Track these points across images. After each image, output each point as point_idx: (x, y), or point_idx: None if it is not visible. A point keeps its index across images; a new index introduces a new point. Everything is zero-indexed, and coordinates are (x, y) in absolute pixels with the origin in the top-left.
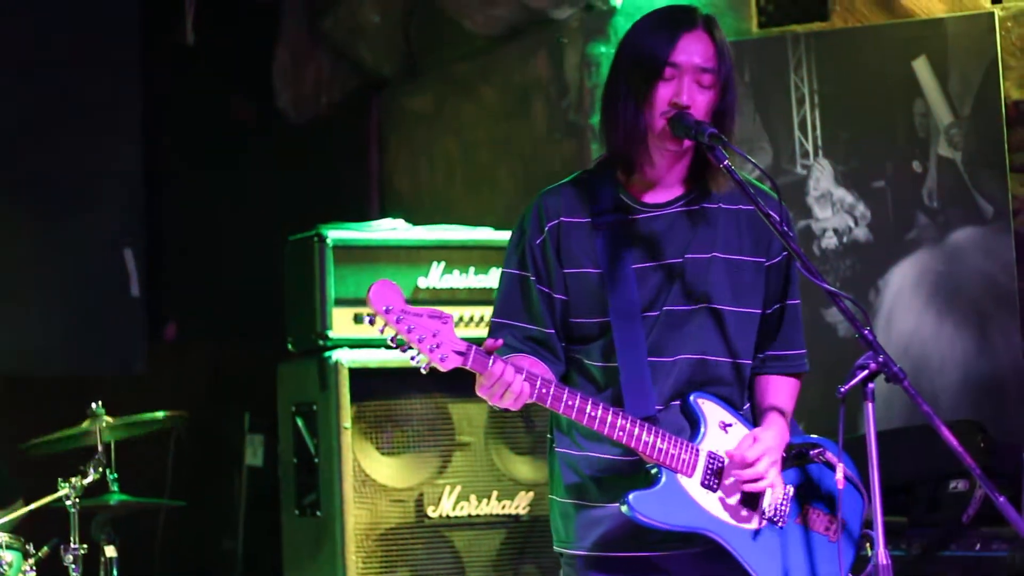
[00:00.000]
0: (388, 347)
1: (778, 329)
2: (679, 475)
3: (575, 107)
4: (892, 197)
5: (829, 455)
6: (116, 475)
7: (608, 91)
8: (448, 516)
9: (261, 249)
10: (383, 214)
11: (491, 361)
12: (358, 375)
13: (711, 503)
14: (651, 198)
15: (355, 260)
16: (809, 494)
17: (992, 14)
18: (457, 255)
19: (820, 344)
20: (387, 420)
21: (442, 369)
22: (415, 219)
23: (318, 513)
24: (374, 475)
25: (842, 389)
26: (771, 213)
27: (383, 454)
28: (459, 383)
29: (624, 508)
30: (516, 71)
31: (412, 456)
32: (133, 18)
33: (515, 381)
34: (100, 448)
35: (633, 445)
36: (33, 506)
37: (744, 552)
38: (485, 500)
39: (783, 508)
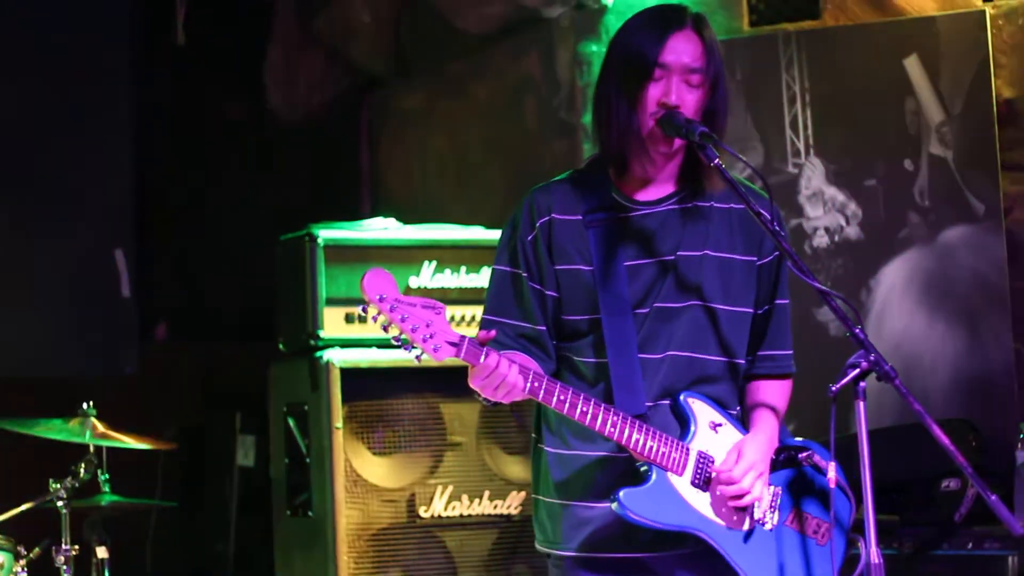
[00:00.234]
0: (380, 347)
1: (767, 329)
2: (669, 473)
3: (567, 106)
4: (883, 196)
5: (817, 458)
6: (107, 476)
7: (599, 91)
8: (440, 516)
9: (252, 249)
10: (374, 213)
11: (484, 352)
12: (349, 375)
13: (701, 503)
14: (643, 196)
15: (346, 260)
16: (798, 496)
17: (983, 12)
18: (448, 254)
19: (811, 343)
20: (378, 420)
21: (435, 360)
22: (406, 218)
23: (310, 513)
24: (366, 475)
25: (833, 388)
26: (762, 212)
27: (375, 454)
28: (451, 383)
29: (614, 505)
30: (508, 70)
31: (404, 456)
32: (125, 18)
33: (510, 372)
34: (91, 449)
35: (624, 442)
36: (24, 507)
37: (733, 553)
38: (477, 500)
39: (771, 509)
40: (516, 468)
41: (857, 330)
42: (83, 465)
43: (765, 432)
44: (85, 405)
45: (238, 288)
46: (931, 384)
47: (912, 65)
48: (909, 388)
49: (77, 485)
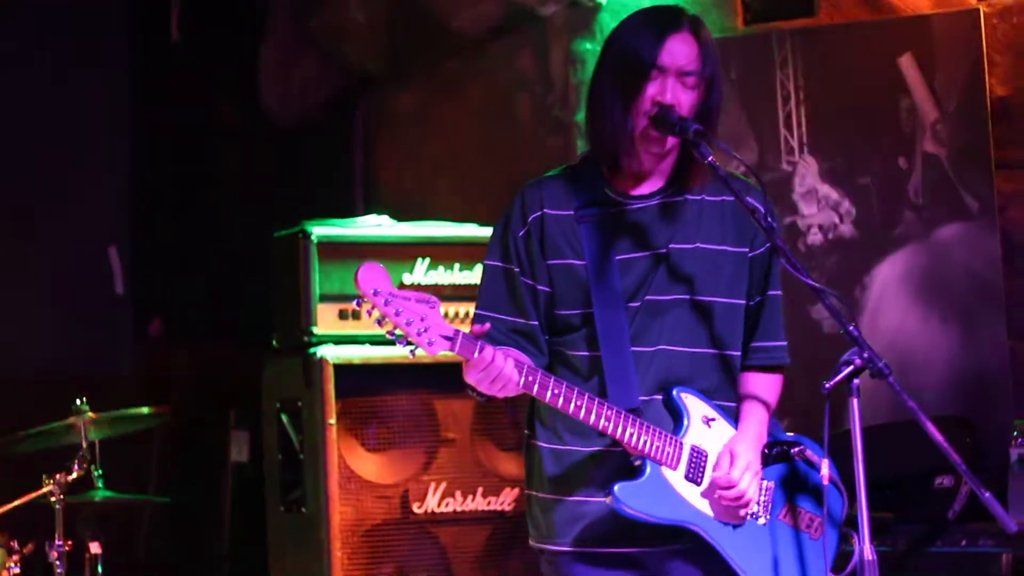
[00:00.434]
0: (374, 343)
1: (760, 321)
2: (663, 468)
3: (561, 104)
4: (878, 193)
5: (810, 453)
6: (101, 471)
7: (593, 90)
8: (434, 512)
9: (246, 246)
10: (368, 211)
11: (479, 347)
12: (343, 371)
13: (695, 496)
14: (635, 190)
15: (340, 256)
16: (791, 491)
17: (977, 10)
18: (442, 251)
19: (805, 340)
20: (372, 416)
21: (429, 354)
22: (400, 216)
23: (303, 509)
24: (359, 471)
25: (827, 385)
26: (757, 206)
27: (368, 450)
28: (444, 379)
29: (609, 499)
30: (501, 68)
31: (397, 452)
32: (121, 16)
33: (505, 365)
34: (85, 445)
35: (618, 436)
36: (17, 502)
37: (727, 546)
38: (471, 496)
39: (764, 504)
40: (510, 464)
41: (851, 327)
42: (76, 461)
43: (753, 428)
44: (79, 402)
45: (232, 285)
46: (925, 381)
47: (906, 63)
48: (903, 385)
49: (70, 481)
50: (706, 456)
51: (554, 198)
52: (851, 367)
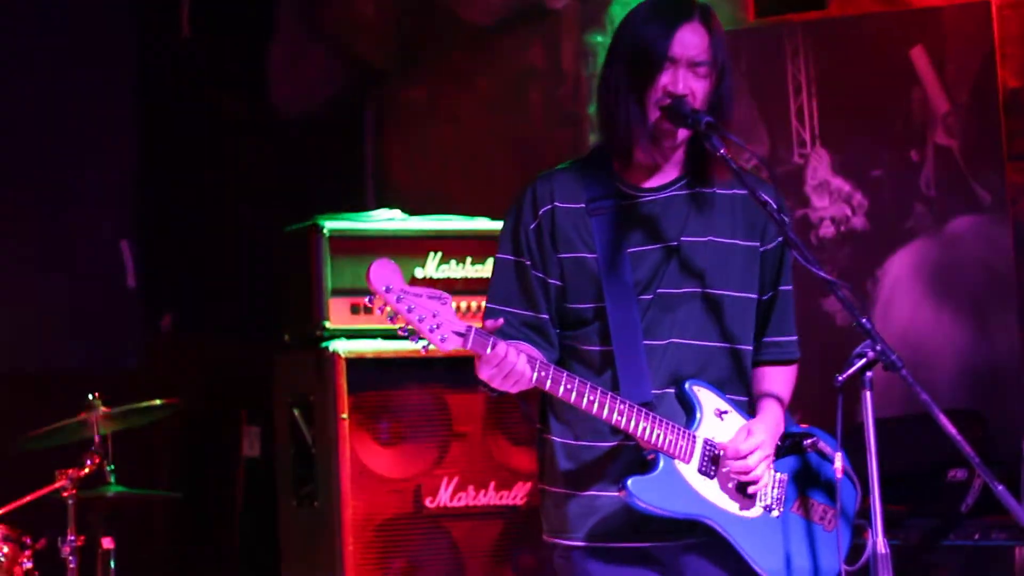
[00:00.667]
0: (386, 338)
1: (771, 315)
2: (677, 461)
3: (572, 96)
4: (889, 186)
5: (823, 445)
6: (113, 467)
7: (604, 82)
8: (446, 506)
9: (258, 241)
10: (379, 205)
11: (491, 342)
12: (355, 365)
13: (708, 490)
14: (647, 183)
15: (352, 250)
16: (804, 483)
17: (988, 2)
18: (454, 245)
19: (818, 333)
20: (384, 410)
21: (441, 350)
22: (411, 210)
23: (315, 504)
24: (371, 466)
25: (840, 378)
26: (768, 200)
27: (380, 445)
28: (456, 373)
29: (623, 494)
30: (512, 61)
31: (410, 446)
32: (128, 11)
33: (518, 361)
34: (97, 440)
35: (631, 430)
36: (30, 498)
37: (740, 539)
38: (483, 490)
39: (778, 496)
40: (522, 458)
41: (863, 320)
42: (89, 456)
43: (771, 417)
44: (91, 397)
45: (244, 280)
46: (938, 374)
47: (918, 55)
48: (916, 378)
49: (83, 476)
50: (719, 449)
51: (565, 191)
52: (864, 360)
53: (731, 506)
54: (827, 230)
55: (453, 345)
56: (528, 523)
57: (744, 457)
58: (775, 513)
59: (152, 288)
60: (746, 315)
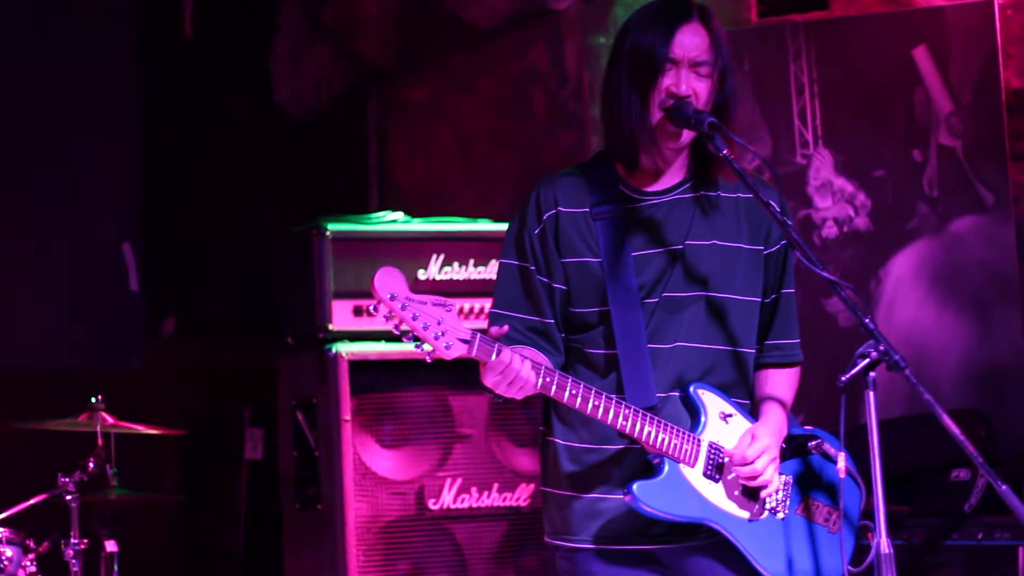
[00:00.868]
0: (389, 340)
1: (775, 318)
2: (682, 465)
3: (574, 98)
4: (892, 186)
5: (827, 447)
6: (116, 469)
7: (607, 86)
8: (449, 508)
9: (260, 242)
10: (382, 207)
11: (496, 349)
12: (358, 368)
13: (714, 493)
14: (650, 186)
15: (355, 252)
16: (809, 485)
17: (991, 2)
18: (456, 247)
19: (821, 333)
20: (387, 413)
21: (446, 358)
22: (414, 211)
23: (318, 506)
24: (374, 468)
25: (843, 378)
26: (771, 202)
27: (383, 447)
28: (459, 375)
29: (628, 498)
30: (515, 62)
31: (413, 448)
32: (130, 11)
33: (523, 367)
34: (100, 442)
35: (635, 434)
36: (33, 501)
37: (746, 542)
38: (486, 492)
39: (783, 499)
40: (525, 460)
41: (867, 320)
42: (92, 459)
43: (775, 421)
44: (93, 400)
45: (246, 282)
46: (941, 374)
47: (920, 55)
48: (919, 378)
49: (86, 479)
50: (724, 456)
51: (568, 195)
52: (867, 360)
53: (736, 509)
54: (830, 230)
55: (458, 352)
56: (531, 525)
57: (751, 463)
58: (780, 515)
59: (154, 291)
60: (750, 318)
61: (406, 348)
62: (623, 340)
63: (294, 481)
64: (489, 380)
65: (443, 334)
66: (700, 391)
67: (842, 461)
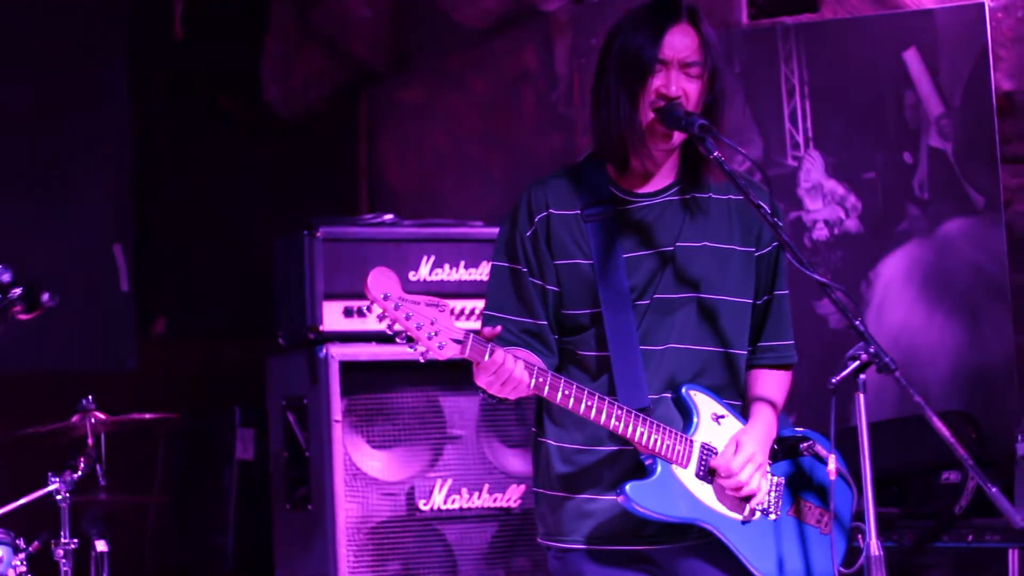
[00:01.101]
0: (380, 341)
1: (767, 320)
2: (674, 466)
3: (565, 99)
4: (883, 188)
5: (819, 448)
6: (107, 469)
7: (597, 88)
8: (439, 509)
9: (251, 243)
10: (373, 207)
11: (489, 349)
12: (349, 369)
13: (706, 494)
14: (641, 188)
15: (345, 254)
16: (800, 487)
17: (982, 5)
18: (447, 249)
19: (811, 335)
20: (378, 413)
21: (439, 358)
22: (405, 213)
23: (309, 507)
24: (365, 468)
25: (833, 380)
26: (761, 204)
27: (374, 447)
28: (450, 376)
29: (621, 499)
30: (506, 63)
31: (403, 449)
32: (121, 12)
33: (516, 368)
34: (91, 442)
35: (628, 435)
36: (23, 501)
37: (738, 543)
38: (476, 493)
39: (775, 500)
40: (516, 461)
41: (857, 322)
42: (82, 459)
43: (763, 424)
44: (84, 400)
45: (237, 282)
46: (931, 376)
47: (911, 58)
48: (909, 380)
49: (76, 479)
50: (716, 453)
51: (559, 198)
52: (857, 362)
53: (728, 510)
54: (820, 232)
55: (451, 353)
56: (522, 526)
57: (736, 475)
58: (772, 517)
59: (145, 291)
60: (742, 320)
61: (397, 349)
62: (615, 342)
63: (285, 482)
64: (482, 380)
65: (436, 334)
66: (692, 392)
67: (833, 463)
